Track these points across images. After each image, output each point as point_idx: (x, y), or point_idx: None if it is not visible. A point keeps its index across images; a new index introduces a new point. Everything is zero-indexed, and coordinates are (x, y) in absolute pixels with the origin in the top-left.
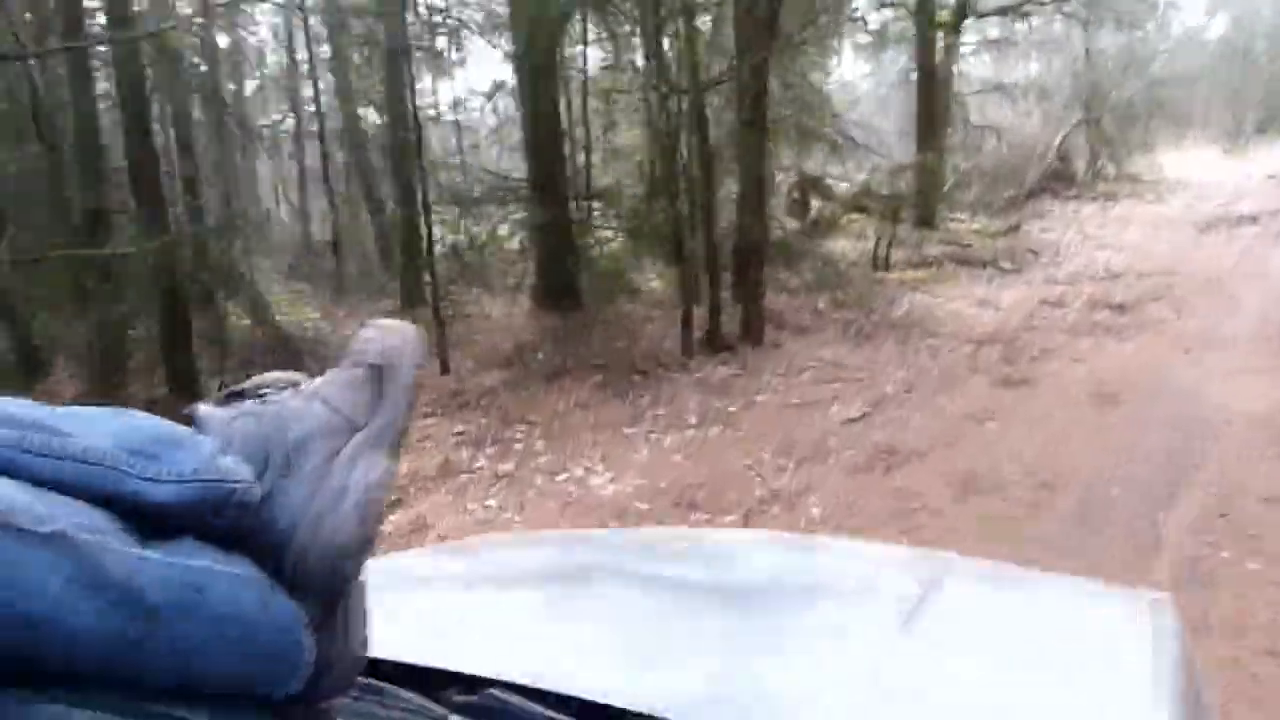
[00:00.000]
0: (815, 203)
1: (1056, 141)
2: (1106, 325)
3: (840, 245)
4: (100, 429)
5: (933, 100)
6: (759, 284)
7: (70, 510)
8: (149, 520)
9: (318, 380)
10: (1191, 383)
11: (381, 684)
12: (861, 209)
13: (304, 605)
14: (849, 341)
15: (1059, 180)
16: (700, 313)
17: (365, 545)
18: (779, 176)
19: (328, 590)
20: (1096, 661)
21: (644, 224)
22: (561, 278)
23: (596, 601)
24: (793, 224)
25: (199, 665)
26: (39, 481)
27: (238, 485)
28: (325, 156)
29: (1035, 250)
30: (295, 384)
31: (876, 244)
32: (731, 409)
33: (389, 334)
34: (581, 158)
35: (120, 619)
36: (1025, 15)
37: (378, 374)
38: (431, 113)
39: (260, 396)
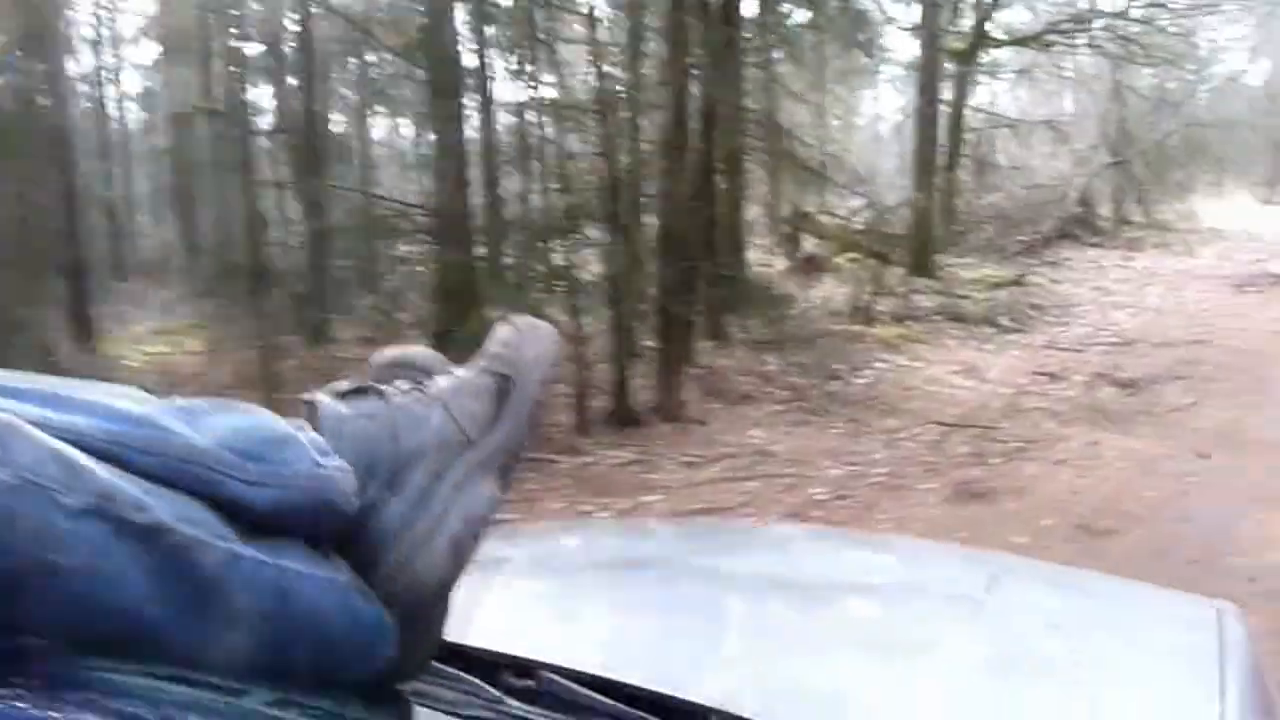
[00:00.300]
0: (812, 241)
1: (1079, 184)
2: (1108, 411)
3: (826, 291)
4: (206, 426)
5: (932, 134)
6: (675, 345)
7: (172, 502)
8: (248, 518)
9: (444, 382)
10: (1208, 511)
11: (438, 665)
12: (860, 249)
13: (390, 614)
14: (792, 418)
15: (1080, 226)
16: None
17: (456, 577)
18: (755, 212)
19: (413, 611)
20: (1160, 667)
21: (530, 268)
22: (459, 327)
23: (655, 592)
24: (781, 265)
25: (277, 659)
26: (143, 476)
27: (336, 495)
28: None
29: (1040, 306)
30: (427, 370)
31: (856, 293)
32: (604, 516)
33: (526, 341)
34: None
35: (204, 615)
36: (1049, 45)
37: (505, 385)
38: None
39: (383, 394)
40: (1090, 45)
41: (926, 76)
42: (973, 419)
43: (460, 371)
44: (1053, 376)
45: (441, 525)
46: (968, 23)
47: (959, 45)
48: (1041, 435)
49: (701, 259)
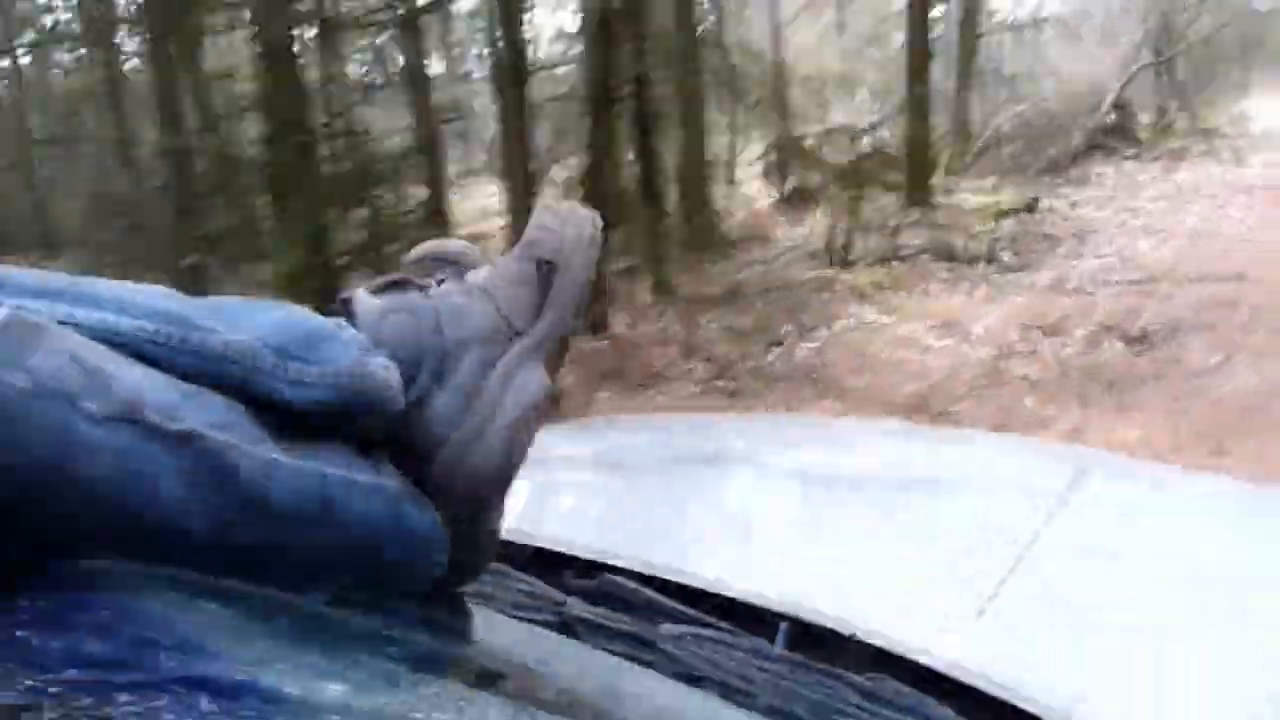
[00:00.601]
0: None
1: (1115, 88)
2: (1110, 377)
3: (810, 227)
4: (245, 323)
5: (924, 36)
6: None
7: (205, 406)
8: (290, 421)
9: (485, 271)
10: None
11: (502, 566)
12: (853, 178)
13: (442, 514)
14: (705, 405)
15: (1117, 136)
16: None
17: (513, 470)
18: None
19: (468, 508)
20: (1259, 568)
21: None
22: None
23: (719, 488)
24: (768, 200)
25: (323, 569)
26: (179, 375)
27: (383, 391)
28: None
29: (1053, 236)
30: (463, 263)
31: (831, 231)
32: None
33: (566, 224)
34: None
35: (244, 524)
36: None
37: (549, 271)
38: None
39: (421, 288)
40: None
41: None
42: (931, 400)
43: (500, 260)
44: (1050, 330)
45: (494, 416)
46: None
47: None
48: (1013, 420)
49: (618, 203)
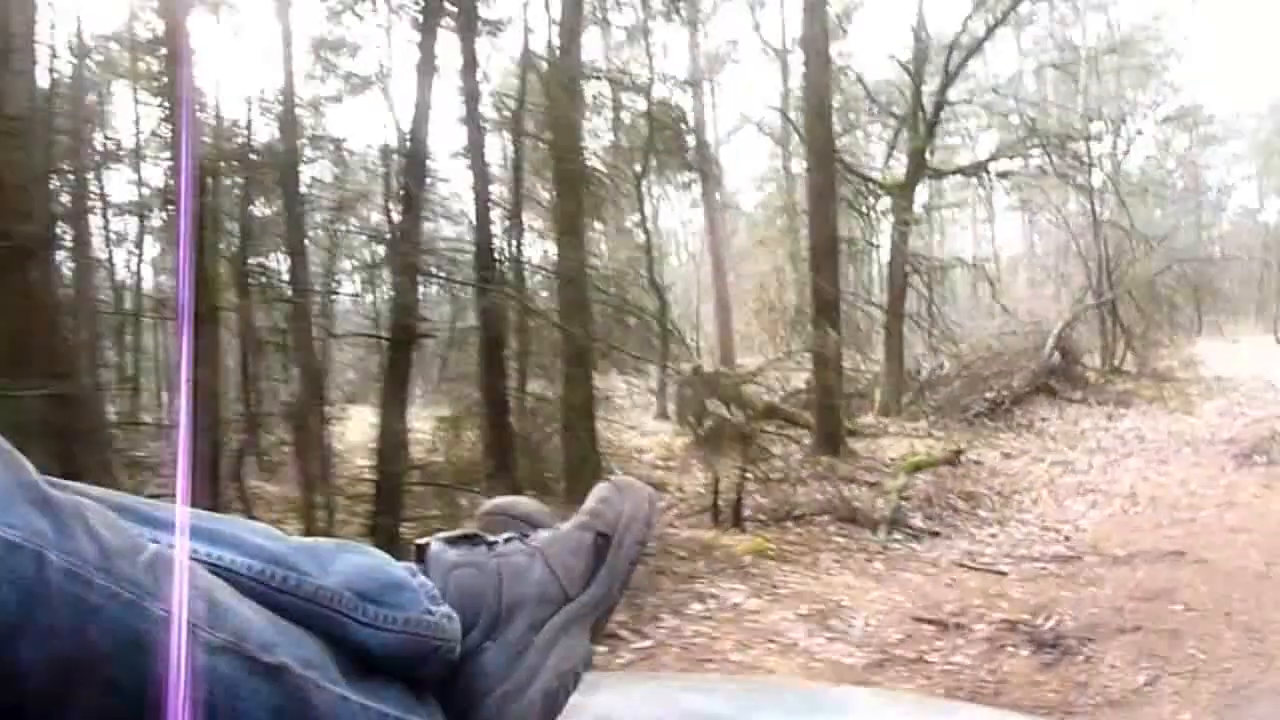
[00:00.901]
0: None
1: (1059, 330)
2: (1005, 700)
3: (707, 478)
4: (333, 567)
5: (832, 270)
6: None
7: (295, 642)
8: (361, 657)
9: (545, 535)
10: None
11: None
12: (786, 418)
13: None
14: None
15: (1061, 379)
16: None
17: None
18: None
19: None
20: None
21: None
22: None
23: None
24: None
25: None
26: (275, 611)
27: (442, 642)
28: None
29: (974, 494)
30: (531, 522)
31: (715, 490)
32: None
33: (625, 499)
34: None
35: None
36: (1004, 175)
37: (603, 544)
38: None
39: (490, 544)
40: (1057, 175)
41: (818, 200)
42: None
43: (562, 526)
44: (944, 625)
45: (535, 677)
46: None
47: (891, 177)
48: None
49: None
